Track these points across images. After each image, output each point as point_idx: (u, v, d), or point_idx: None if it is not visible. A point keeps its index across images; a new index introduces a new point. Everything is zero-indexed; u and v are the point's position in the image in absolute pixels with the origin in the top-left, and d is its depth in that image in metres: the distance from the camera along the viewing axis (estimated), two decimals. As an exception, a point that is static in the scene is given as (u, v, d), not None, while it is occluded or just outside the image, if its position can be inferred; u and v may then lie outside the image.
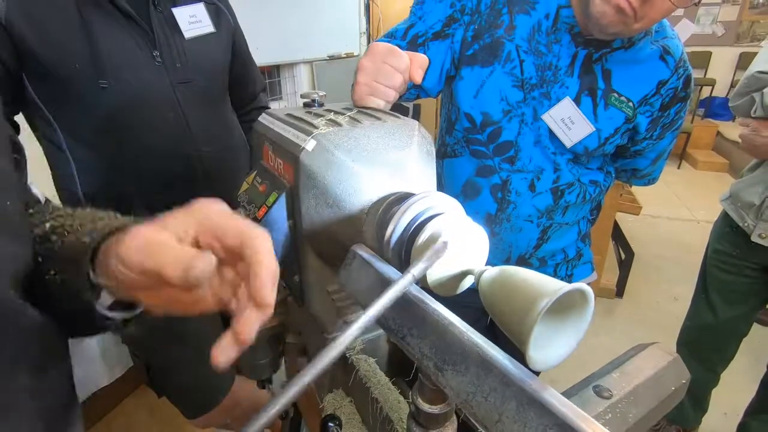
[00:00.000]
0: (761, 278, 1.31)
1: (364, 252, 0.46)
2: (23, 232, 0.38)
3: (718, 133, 4.86)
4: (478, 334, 0.33)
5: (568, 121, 0.88)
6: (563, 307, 0.33)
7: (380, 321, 0.41)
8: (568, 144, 0.89)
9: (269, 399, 0.28)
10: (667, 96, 0.88)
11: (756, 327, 1.99)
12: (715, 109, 5.15)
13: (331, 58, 2.95)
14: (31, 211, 0.45)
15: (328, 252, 0.53)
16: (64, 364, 0.41)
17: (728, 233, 1.35)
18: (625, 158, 1.01)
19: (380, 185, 0.49)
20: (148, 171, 0.96)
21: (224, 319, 0.45)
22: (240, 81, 1.14)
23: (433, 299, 0.37)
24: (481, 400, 0.31)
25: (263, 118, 0.65)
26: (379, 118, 0.55)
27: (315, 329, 0.62)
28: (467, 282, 0.42)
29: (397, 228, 0.43)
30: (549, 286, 0.31)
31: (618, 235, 2.63)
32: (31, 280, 0.37)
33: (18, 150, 0.45)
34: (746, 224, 1.25)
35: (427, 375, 0.36)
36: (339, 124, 0.53)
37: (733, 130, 4.52)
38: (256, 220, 0.54)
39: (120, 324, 0.39)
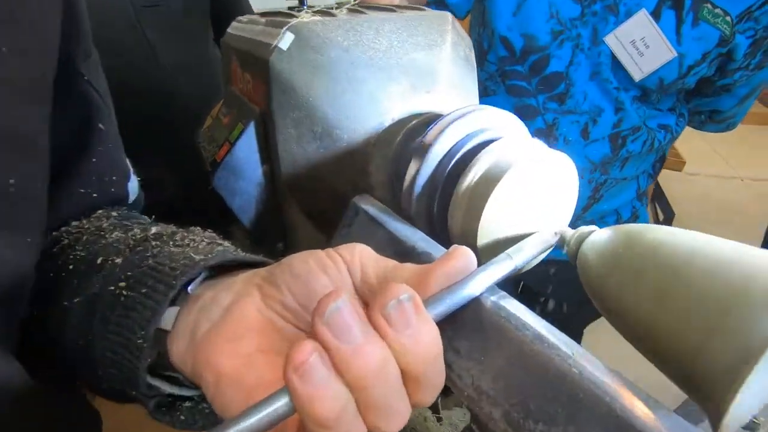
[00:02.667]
0: None
1: (370, 206, 0.29)
2: (25, 231, 0.24)
3: (765, 82, 4.44)
4: (602, 365, 0.16)
5: (641, 45, 0.67)
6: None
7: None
8: (638, 76, 0.68)
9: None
10: None
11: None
12: (762, 55, 4.67)
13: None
14: (114, 213, 0.33)
15: (319, 207, 0.37)
16: None
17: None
18: (706, 96, 0.79)
19: (395, 103, 0.32)
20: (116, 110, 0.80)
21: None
22: (225, 9, 0.94)
23: (499, 290, 0.20)
24: None
25: (233, 27, 0.47)
26: (393, 10, 0.37)
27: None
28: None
29: (426, 164, 0.26)
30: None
31: (658, 194, 2.40)
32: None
33: (94, 114, 0.32)
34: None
35: (486, 429, 0.19)
36: (332, 15, 0.35)
37: (782, 79, 4.12)
38: (214, 163, 0.37)
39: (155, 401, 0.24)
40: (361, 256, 0.21)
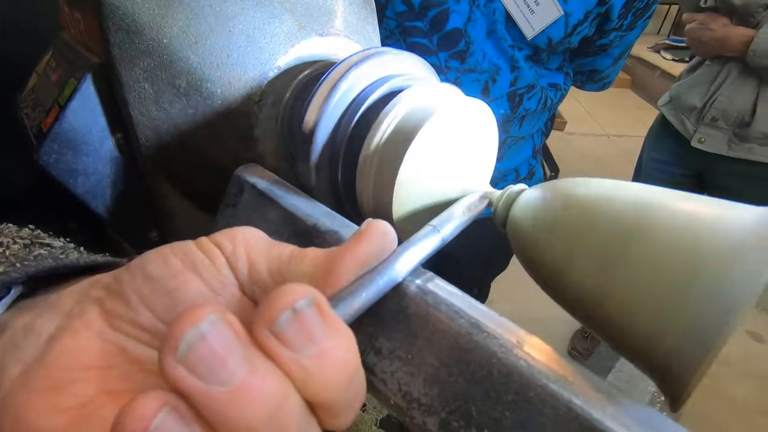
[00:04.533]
0: (691, 184, 1.31)
1: (258, 178, 0.23)
2: None
3: (623, 50, 5.05)
4: (556, 354, 0.14)
5: (532, 2, 0.69)
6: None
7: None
8: (530, 33, 0.71)
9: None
10: None
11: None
12: (620, 26, 5.29)
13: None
14: None
15: (198, 185, 0.30)
16: None
17: (665, 140, 1.31)
18: (586, 56, 0.86)
19: (280, 47, 0.25)
20: None
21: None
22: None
23: (426, 270, 0.17)
24: None
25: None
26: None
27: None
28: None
29: (323, 121, 0.21)
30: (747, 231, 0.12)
31: (545, 152, 2.64)
32: None
33: None
34: (686, 129, 1.20)
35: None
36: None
37: (636, 47, 4.72)
38: (40, 135, 0.28)
39: None
40: (246, 243, 0.16)
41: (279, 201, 0.21)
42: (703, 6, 1.10)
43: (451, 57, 0.71)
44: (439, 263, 0.83)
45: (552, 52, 0.77)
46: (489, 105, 0.69)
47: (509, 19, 0.69)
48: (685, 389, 0.12)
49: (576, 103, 4.30)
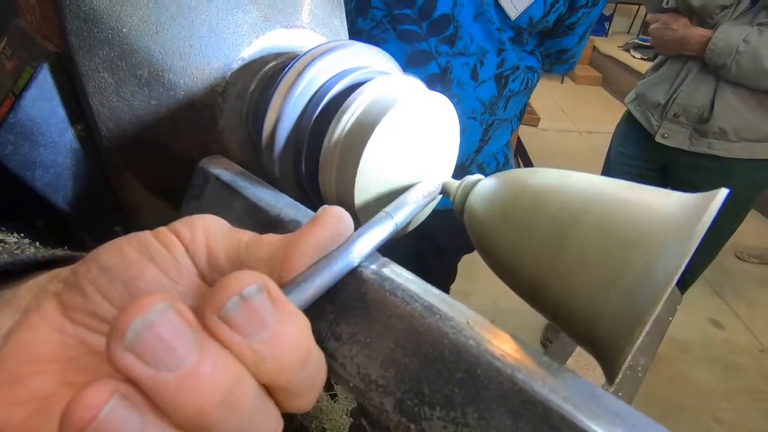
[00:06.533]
0: (656, 178, 1.36)
1: (222, 170, 0.23)
2: None
3: (594, 48, 5.18)
4: (503, 332, 0.14)
5: None
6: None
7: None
8: (513, 14, 0.73)
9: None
10: None
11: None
12: (591, 24, 5.43)
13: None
14: None
15: (163, 178, 0.29)
16: None
17: (631, 135, 1.35)
18: (555, 37, 0.89)
19: (244, 38, 0.25)
20: None
21: None
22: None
23: (381, 256, 0.17)
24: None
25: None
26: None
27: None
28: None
29: (286, 113, 0.21)
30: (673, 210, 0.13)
31: (520, 148, 2.68)
32: None
33: None
34: (650, 125, 1.25)
35: (378, 422, 0.16)
36: None
37: (607, 45, 4.86)
38: (-6, 124, 0.27)
39: None
40: (206, 230, 0.16)
41: (243, 192, 0.22)
42: (665, 7, 1.14)
43: (441, 42, 0.73)
44: (423, 256, 0.84)
45: (531, 33, 0.80)
46: (478, 88, 0.70)
47: (496, 1, 0.72)
48: (618, 363, 0.13)
49: (550, 100, 4.40)
